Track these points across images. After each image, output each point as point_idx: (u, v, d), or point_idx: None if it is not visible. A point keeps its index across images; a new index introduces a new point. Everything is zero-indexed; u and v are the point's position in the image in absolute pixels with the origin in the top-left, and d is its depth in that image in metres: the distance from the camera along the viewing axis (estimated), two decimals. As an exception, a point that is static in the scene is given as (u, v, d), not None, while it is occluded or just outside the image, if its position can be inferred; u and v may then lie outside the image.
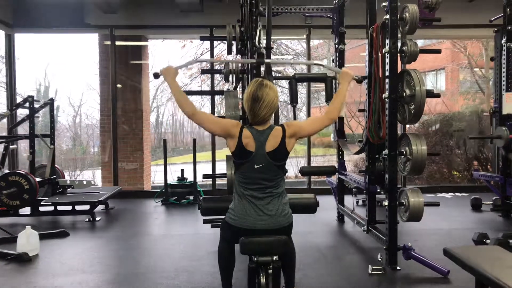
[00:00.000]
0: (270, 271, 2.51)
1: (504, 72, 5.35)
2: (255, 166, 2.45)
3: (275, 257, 2.43)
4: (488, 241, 4.05)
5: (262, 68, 3.64)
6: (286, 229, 2.52)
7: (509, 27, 5.24)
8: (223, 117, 3.71)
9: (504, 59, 5.34)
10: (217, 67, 5.07)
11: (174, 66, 2.60)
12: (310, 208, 2.95)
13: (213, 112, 6.16)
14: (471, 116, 8.91)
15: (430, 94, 3.62)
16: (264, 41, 3.26)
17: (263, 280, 2.48)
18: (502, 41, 5.33)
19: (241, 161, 2.47)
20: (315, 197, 2.98)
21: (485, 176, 5.98)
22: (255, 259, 2.42)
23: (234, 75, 3.61)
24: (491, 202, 5.89)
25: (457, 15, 6.96)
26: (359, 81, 2.81)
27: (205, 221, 3.98)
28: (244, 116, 3.57)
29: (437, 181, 8.71)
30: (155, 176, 10.69)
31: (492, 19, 5.62)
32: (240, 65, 3.70)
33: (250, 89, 2.49)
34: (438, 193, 7.28)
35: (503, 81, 5.36)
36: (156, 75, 2.62)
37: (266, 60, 3.23)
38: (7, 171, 5.90)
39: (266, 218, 2.45)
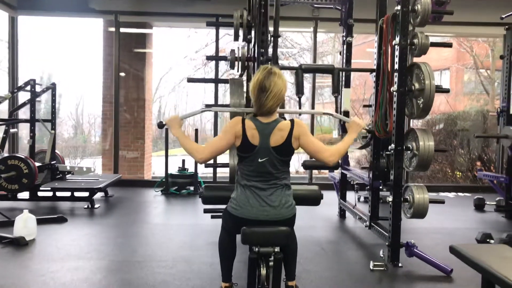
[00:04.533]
0: (271, 262, 2.45)
1: (513, 71, 5.27)
2: (259, 160, 2.36)
3: (276, 249, 2.37)
4: (492, 241, 3.99)
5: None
6: (289, 221, 2.44)
7: (520, 25, 5.16)
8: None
9: (514, 57, 5.26)
10: (222, 54, 4.96)
11: (179, 116, 2.50)
12: (314, 200, 2.87)
13: (216, 101, 6.07)
14: (477, 115, 8.81)
15: (440, 89, 3.55)
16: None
17: (263, 271, 2.42)
18: (513, 39, 5.25)
19: (245, 155, 2.39)
20: (319, 189, 2.91)
21: (490, 176, 5.90)
22: (256, 249, 2.36)
23: (240, 62, 3.53)
24: (495, 203, 5.82)
25: (465, 12, 6.84)
26: (370, 131, 2.74)
27: (205, 211, 3.93)
28: (249, 105, 3.50)
29: (439, 180, 8.63)
30: (155, 167, 10.62)
31: (503, 16, 5.52)
32: (246, 52, 3.62)
33: (258, 77, 2.36)
34: (440, 192, 7.20)
35: (512, 80, 5.28)
36: (161, 125, 2.53)
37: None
38: (7, 155, 5.85)
39: (269, 209, 2.38)
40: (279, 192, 2.42)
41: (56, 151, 6.36)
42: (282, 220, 2.40)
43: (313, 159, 7.05)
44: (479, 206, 5.92)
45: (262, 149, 2.35)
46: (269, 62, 3.47)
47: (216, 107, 3.24)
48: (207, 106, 2.80)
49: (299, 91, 4.09)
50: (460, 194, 7.15)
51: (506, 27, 5.54)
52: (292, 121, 2.42)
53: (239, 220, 2.42)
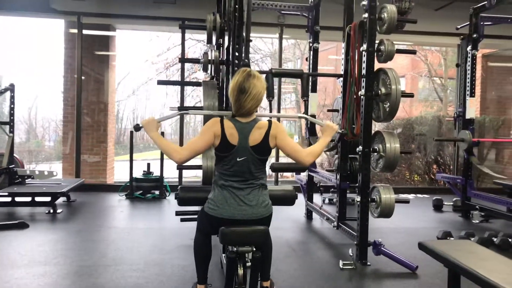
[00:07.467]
0: (248, 263, 2.48)
1: (468, 78, 5.57)
2: (238, 159, 2.40)
3: (254, 248, 2.41)
4: (451, 238, 4.19)
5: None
6: (266, 220, 2.49)
7: (475, 35, 5.47)
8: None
9: (468, 65, 5.55)
10: (196, 55, 4.94)
11: (156, 118, 2.50)
12: (289, 200, 2.94)
13: (182, 103, 6.05)
14: (433, 121, 9.22)
15: (404, 94, 3.71)
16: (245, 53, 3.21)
17: (240, 271, 2.45)
18: (468, 48, 5.54)
19: (224, 154, 2.42)
20: (293, 189, 2.98)
21: (447, 178, 6.19)
22: (235, 249, 2.38)
23: (213, 65, 3.55)
24: (452, 203, 6.11)
25: (423, 22, 7.15)
26: (343, 134, 2.84)
27: (177, 213, 3.89)
28: (222, 107, 3.53)
29: (398, 183, 8.94)
30: (118, 171, 10.40)
31: (459, 27, 5.82)
32: (218, 56, 3.65)
33: (237, 79, 2.42)
34: (400, 194, 7.45)
35: (468, 86, 5.58)
36: (137, 128, 2.52)
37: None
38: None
39: (247, 208, 2.42)
40: (256, 191, 2.46)
41: (15, 155, 6.13)
42: (259, 219, 2.45)
43: (281, 162, 7.15)
44: (438, 207, 6.20)
45: (241, 148, 2.39)
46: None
47: (193, 110, 3.24)
48: (182, 108, 2.79)
49: (270, 95, 4.16)
50: (419, 195, 7.45)
51: (461, 37, 5.86)
52: (269, 121, 2.48)
53: (216, 220, 2.44)
